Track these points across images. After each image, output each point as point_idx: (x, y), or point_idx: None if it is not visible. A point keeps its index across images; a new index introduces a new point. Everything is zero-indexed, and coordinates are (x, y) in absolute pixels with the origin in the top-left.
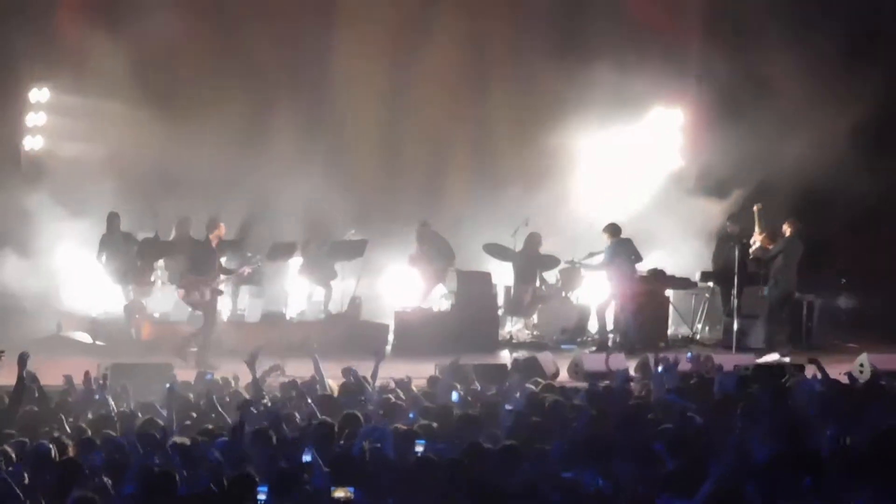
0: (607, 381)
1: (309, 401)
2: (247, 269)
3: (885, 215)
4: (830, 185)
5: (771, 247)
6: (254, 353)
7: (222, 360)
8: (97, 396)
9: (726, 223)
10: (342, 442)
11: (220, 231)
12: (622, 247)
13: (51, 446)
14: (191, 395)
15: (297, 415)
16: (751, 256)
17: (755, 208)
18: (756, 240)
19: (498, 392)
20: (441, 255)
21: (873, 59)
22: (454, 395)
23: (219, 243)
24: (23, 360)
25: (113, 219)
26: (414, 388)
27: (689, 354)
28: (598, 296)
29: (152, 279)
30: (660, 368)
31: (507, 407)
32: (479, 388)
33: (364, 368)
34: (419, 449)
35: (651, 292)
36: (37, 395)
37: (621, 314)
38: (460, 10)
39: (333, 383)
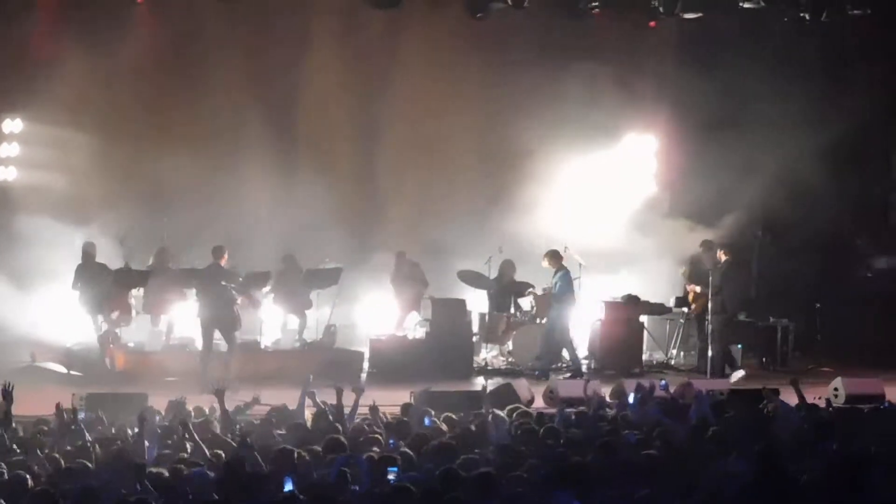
0: (583, 407)
1: (275, 431)
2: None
3: (854, 239)
4: (802, 209)
5: (699, 288)
6: (222, 386)
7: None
8: (74, 427)
9: (700, 249)
10: (315, 471)
11: (225, 258)
12: (570, 274)
13: (26, 476)
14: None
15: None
16: (693, 306)
17: (682, 272)
18: (691, 291)
19: (474, 419)
20: (415, 282)
21: (844, 87)
22: (426, 420)
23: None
24: (7, 393)
25: (88, 249)
26: (388, 416)
27: (662, 382)
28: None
29: (130, 309)
30: (635, 395)
31: (485, 433)
32: (453, 415)
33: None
34: (392, 477)
35: (626, 318)
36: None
37: (561, 340)
38: (434, 38)
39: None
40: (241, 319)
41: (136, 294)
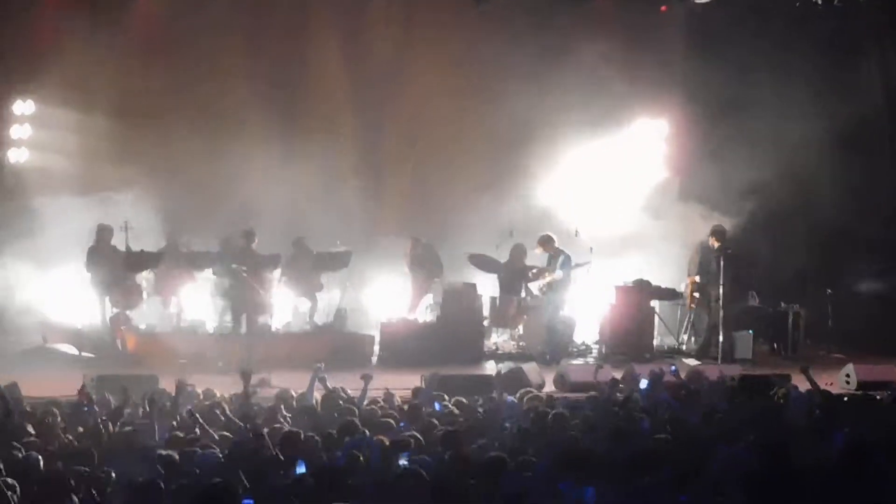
0: (594, 392)
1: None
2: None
3: (866, 225)
4: (813, 195)
5: (698, 278)
6: (249, 369)
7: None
8: (86, 408)
9: (711, 235)
10: (325, 454)
11: (255, 242)
12: (571, 259)
13: (38, 457)
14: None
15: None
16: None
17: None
18: (689, 282)
19: (484, 403)
20: (429, 266)
21: (856, 72)
22: (437, 405)
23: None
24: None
25: (103, 231)
26: (401, 400)
27: (672, 368)
28: (584, 307)
29: (140, 291)
30: (648, 380)
31: (497, 418)
32: (464, 399)
33: (350, 380)
34: (404, 462)
35: (637, 303)
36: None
37: (551, 323)
38: (440, 23)
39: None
40: (269, 305)
41: (147, 276)
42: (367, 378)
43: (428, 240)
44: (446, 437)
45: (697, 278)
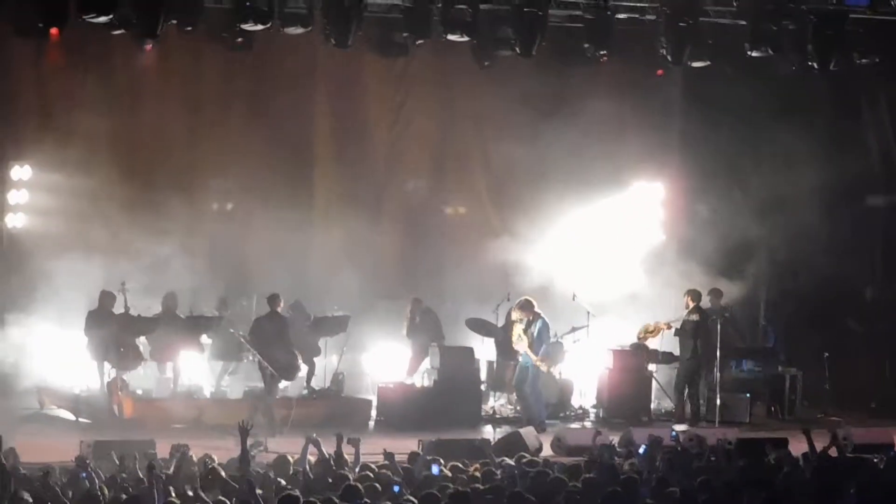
0: (591, 456)
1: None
2: None
3: (863, 287)
4: (810, 256)
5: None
6: (246, 425)
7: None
8: (83, 475)
9: (707, 297)
10: None
11: (281, 305)
12: (548, 324)
13: None
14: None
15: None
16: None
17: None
18: (663, 328)
19: (481, 468)
20: (429, 332)
21: (852, 133)
22: (434, 469)
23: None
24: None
25: (105, 298)
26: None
27: (673, 432)
28: (581, 370)
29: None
30: (646, 445)
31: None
32: (460, 464)
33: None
34: None
35: (634, 366)
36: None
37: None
38: (441, 87)
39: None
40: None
41: (143, 341)
42: (355, 442)
43: (428, 304)
44: (455, 497)
45: (673, 331)
